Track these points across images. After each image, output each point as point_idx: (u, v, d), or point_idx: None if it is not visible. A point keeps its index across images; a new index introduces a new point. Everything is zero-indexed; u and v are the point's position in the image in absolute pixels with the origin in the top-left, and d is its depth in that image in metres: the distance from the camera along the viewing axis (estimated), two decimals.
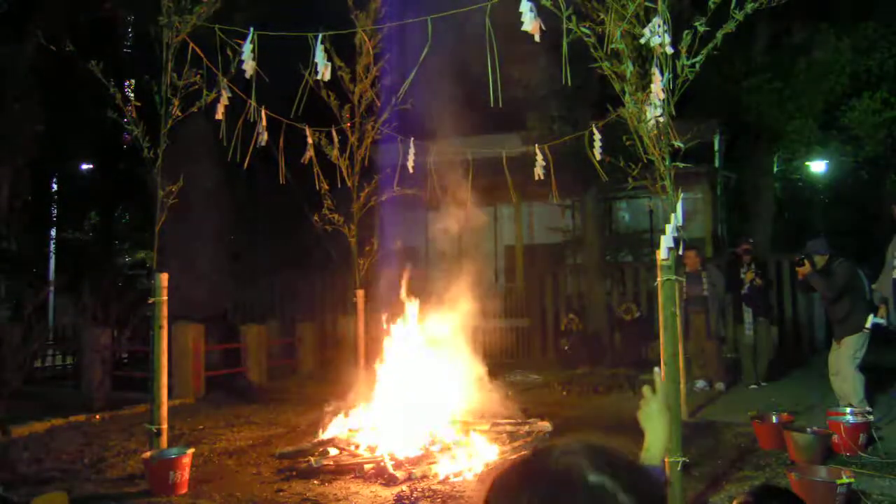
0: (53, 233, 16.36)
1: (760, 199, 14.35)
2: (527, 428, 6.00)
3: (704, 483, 4.84)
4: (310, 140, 6.32)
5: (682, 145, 3.98)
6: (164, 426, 5.29)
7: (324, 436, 6.05)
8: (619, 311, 11.40)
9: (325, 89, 6.10)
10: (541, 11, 3.97)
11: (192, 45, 5.27)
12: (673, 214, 3.97)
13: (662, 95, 3.80)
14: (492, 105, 4.25)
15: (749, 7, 3.84)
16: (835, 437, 5.46)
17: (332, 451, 5.60)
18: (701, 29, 3.74)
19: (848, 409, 5.75)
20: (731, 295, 9.13)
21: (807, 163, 17.16)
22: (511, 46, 5.67)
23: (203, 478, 5.31)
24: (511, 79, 9.91)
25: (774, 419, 5.92)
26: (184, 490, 4.96)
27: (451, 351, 6.58)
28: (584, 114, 10.14)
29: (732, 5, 3.80)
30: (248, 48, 5.00)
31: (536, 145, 6.26)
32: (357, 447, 5.70)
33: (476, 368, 6.63)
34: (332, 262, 13.76)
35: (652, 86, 3.81)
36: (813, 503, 3.99)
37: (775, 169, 15.82)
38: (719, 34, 3.80)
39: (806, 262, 6.46)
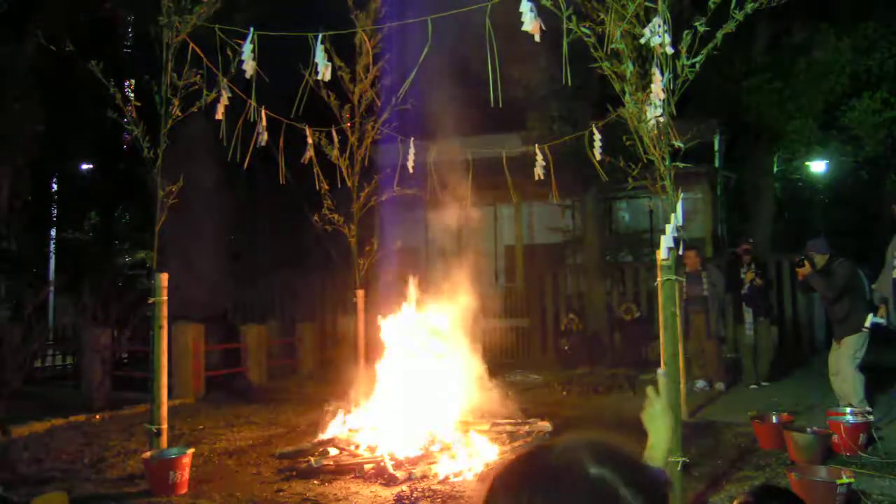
0: (53, 233, 16.36)
1: (760, 199, 14.35)
2: (527, 428, 6.00)
3: (704, 483, 4.84)
4: (310, 140, 6.32)
5: (682, 145, 3.98)
6: (164, 426, 5.29)
7: (324, 436, 6.05)
8: (619, 311, 11.40)
9: (325, 89, 6.10)
10: (541, 11, 3.97)
11: (192, 45, 5.27)
12: (673, 214, 3.97)
13: (663, 95, 3.80)
14: (492, 105, 4.25)
15: (749, 7, 3.84)
16: (835, 437, 5.46)
17: (332, 451, 5.60)
18: (701, 29, 3.74)
19: (848, 409, 5.75)
20: (731, 295, 9.13)
21: (807, 163, 17.17)
22: (511, 46, 5.67)
23: (203, 478, 5.31)
24: (511, 79, 9.93)
25: (774, 419, 5.92)
26: (184, 490, 4.96)
27: (450, 351, 6.58)
28: (584, 114, 10.15)
29: (732, 5, 3.80)
30: (248, 48, 5.00)
31: (536, 145, 6.25)
32: (357, 447, 5.70)
33: (476, 368, 6.63)
34: (332, 262, 13.76)
35: (652, 86, 3.81)
36: (813, 503, 3.99)
37: (775, 169, 15.82)
38: (719, 34, 3.80)
39: (806, 262, 6.46)
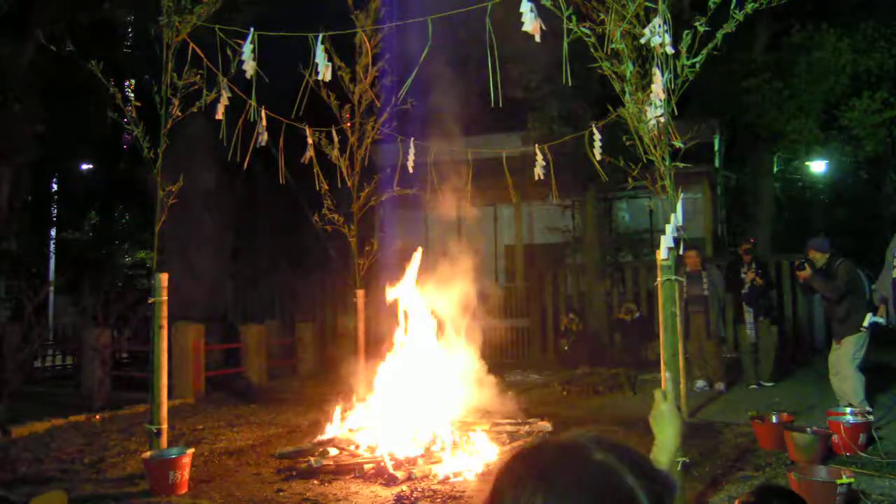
0: (53, 233, 16.36)
1: (760, 199, 14.35)
2: (527, 428, 6.00)
3: (704, 483, 4.84)
4: (310, 140, 6.32)
5: (682, 145, 3.98)
6: (164, 426, 5.29)
7: (324, 436, 6.05)
8: (620, 311, 11.40)
9: (325, 89, 6.10)
10: (541, 12, 3.97)
11: (192, 45, 5.27)
12: (673, 214, 3.97)
13: (663, 95, 3.80)
14: (492, 105, 4.26)
15: (749, 7, 3.84)
16: (835, 437, 5.46)
17: (332, 451, 5.60)
18: (701, 29, 3.74)
19: (848, 409, 5.75)
20: (731, 295, 9.13)
21: (807, 163, 17.17)
22: (511, 46, 5.68)
23: (203, 478, 5.31)
24: (511, 79, 9.94)
25: (774, 419, 5.92)
26: (184, 490, 4.96)
27: (450, 351, 6.59)
28: (584, 114, 10.15)
29: (732, 5, 3.80)
30: (248, 48, 5.00)
31: (536, 145, 6.26)
32: (357, 447, 5.70)
33: (476, 368, 6.63)
34: (332, 262, 13.77)
35: (653, 86, 3.81)
36: (813, 503, 3.99)
37: (775, 169, 15.83)
38: (719, 34, 3.80)
39: (806, 265, 6.47)
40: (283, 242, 15.19)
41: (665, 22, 3.73)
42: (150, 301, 5.38)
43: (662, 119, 3.88)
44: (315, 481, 5.13)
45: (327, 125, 6.61)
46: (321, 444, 5.82)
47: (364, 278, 7.05)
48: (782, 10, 4.31)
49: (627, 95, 3.99)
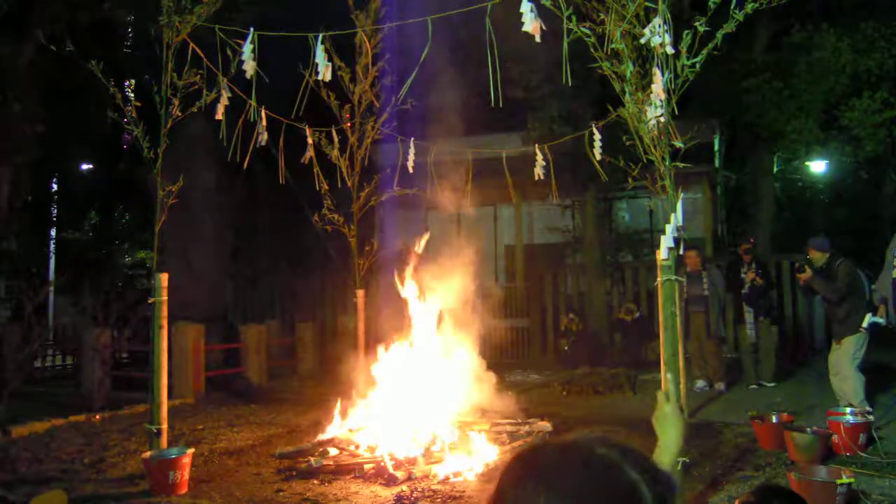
0: (53, 233, 16.36)
1: (760, 199, 14.35)
2: (527, 428, 6.00)
3: (704, 483, 4.84)
4: (310, 140, 6.32)
5: (682, 145, 3.98)
6: (164, 426, 5.29)
7: (324, 436, 6.05)
8: (620, 311, 11.40)
9: (325, 89, 6.10)
10: (541, 12, 3.97)
11: (192, 45, 5.26)
12: (673, 214, 3.97)
13: (663, 95, 3.80)
14: (492, 105, 4.25)
15: (749, 7, 3.84)
16: (835, 437, 5.46)
17: (332, 451, 5.60)
18: (701, 29, 3.74)
19: (848, 409, 5.75)
20: (731, 295, 9.13)
21: (807, 163, 17.17)
22: (511, 46, 5.68)
23: (203, 478, 5.31)
24: (511, 79, 9.94)
25: (774, 419, 5.92)
26: (184, 490, 4.96)
27: (450, 351, 6.58)
28: (584, 114, 10.15)
29: (732, 5, 3.80)
30: (248, 48, 5.00)
31: (536, 145, 6.26)
32: (357, 447, 5.70)
33: (476, 368, 6.63)
34: (332, 262, 13.76)
35: (653, 86, 3.81)
36: (813, 503, 3.99)
37: (775, 169, 15.83)
38: (719, 34, 3.80)
39: (806, 267, 6.47)
40: (283, 242, 15.20)
41: (665, 22, 3.73)
42: (150, 301, 5.38)
43: (662, 119, 3.88)
44: (315, 481, 5.13)
45: (327, 125, 6.61)
46: (321, 444, 5.81)
47: (364, 278, 7.05)
48: (782, 10, 4.31)
49: (627, 95, 3.99)
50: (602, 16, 3.87)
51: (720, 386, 8.61)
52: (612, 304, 11.92)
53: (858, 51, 12.47)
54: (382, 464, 5.19)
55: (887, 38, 12.48)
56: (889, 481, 4.71)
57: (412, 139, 6.62)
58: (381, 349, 6.56)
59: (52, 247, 16.19)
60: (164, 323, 5.34)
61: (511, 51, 6.57)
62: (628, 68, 3.91)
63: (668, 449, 1.56)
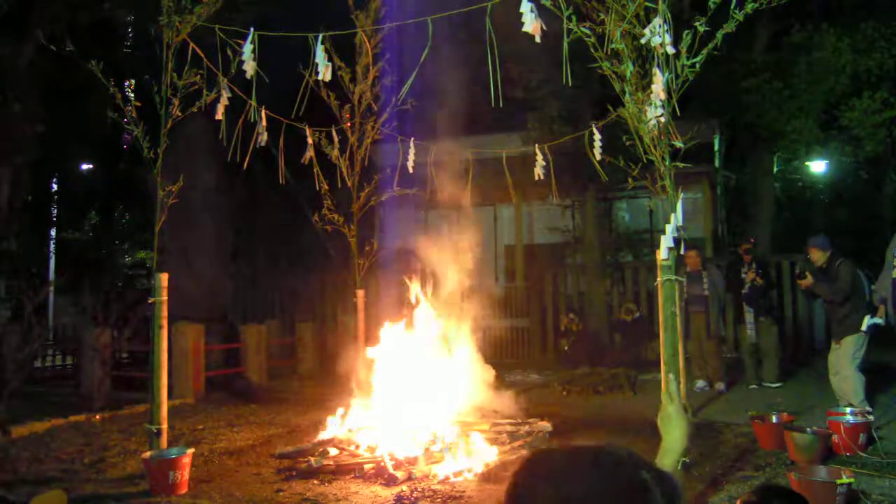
0: (53, 233, 16.36)
1: (760, 199, 14.35)
2: (527, 428, 6.00)
3: (704, 483, 4.84)
4: (310, 140, 6.32)
5: (682, 145, 3.98)
6: (164, 426, 5.29)
7: (324, 436, 6.05)
8: (620, 311, 11.40)
9: (325, 89, 6.10)
10: (541, 12, 3.97)
11: (192, 45, 5.26)
12: (673, 214, 3.97)
13: (663, 95, 3.80)
14: (492, 105, 4.25)
15: (749, 7, 3.84)
16: (835, 437, 5.46)
17: (332, 451, 5.60)
18: (701, 29, 3.74)
19: (848, 409, 5.75)
20: (731, 295, 9.12)
21: (807, 163, 17.17)
22: (512, 46, 5.68)
23: (203, 478, 5.31)
24: (511, 79, 9.94)
25: (774, 419, 5.92)
26: (184, 490, 4.96)
27: (450, 351, 6.58)
28: (584, 114, 10.16)
29: (732, 5, 3.80)
30: (248, 49, 5.00)
31: (536, 145, 6.26)
32: (357, 447, 5.70)
33: (476, 368, 6.63)
34: (332, 262, 13.77)
35: (653, 86, 3.81)
36: (813, 503, 3.99)
37: (775, 169, 15.83)
38: (719, 34, 3.80)
39: (807, 274, 6.49)
40: (283, 242, 15.20)
41: (665, 22, 3.73)
42: (150, 301, 5.38)
43: (662, 119, 3.88)
44: (315, 481, 5.13)
45: (327, 125, 6.61)
46: (321, 443, 5.82)
47: (364, 278, 7.05)
48: (782, 10, 4.31)
49: (627, 95, 3.99)
50: (602, 16, 3.87)
51: (720, 386, 8.61)
52: (612, 304, 11.91)
53: (858, 51, 12.47)
54: (382, 464, 5.19)
55: (887, 38, 12.48)
56: (889, 481, 4.71)
57: (412, 139, 6.62)
58: (381, 350, 6.54)
59: (52, 247, 16.19)
60: (164, 323, 5.34)
61: (511, 51, 6.57)
62: (628, 68, 3.91)
63: (671, 449, 1.56)
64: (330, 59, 5.19)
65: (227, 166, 8.64)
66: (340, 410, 6.34)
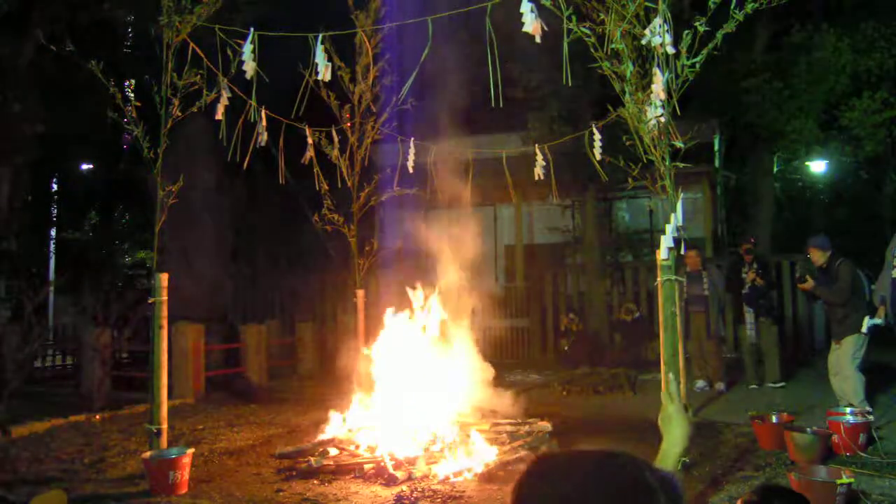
0: (53, 233, 16.36)
1: (760, 199, 14.35)
2: (527, 428, 5.99)
3: (704, 483, 4.84)
4: (310, 140, 6.32)
5: (682, 145, 3.98)
6: (164, 426, 5.29)
7: (324, 436, 6.05)
8: (620, 311, 11.40)
9: (325, 89, 6.10)
10: (541, 12, 3.97)
11: (192, 45, 5.26)
12: (673, 214, 3.97)
13: (663, 95, 3.80)
14: (493, 105, 4.26)
15: (749, 7, 3.84)
16: (835, 437, 5.46)
17: (332, 451, 5.60)
18: (701, 29, 3.74)
19: (848, 409, 5.75)
20: (731, 295, 9.12)
21: (807, 163, 17.18)
22: (512, 46, 5.68)
23: (203, 477, 5.31)
24: (511, 79, 9.94)
25: (774, 419, 5.92)
26: (184, 490, 4.96)
27: (450, 351, 6.58)
28: (584, 114, 10.16)
29: (732, 5, 3.80)
30: (248, 48, 5.00)
31: (536, 145, 6.26)
32: (357, 447, 5.70)
33: (476, 368, 6.62)
34: (332, 262, 13.77)
35: (653, 86, 3.81)
36: (814, 503, 3.99)
37: (775, 169, 15.83)
38: (719, 34, 3.80)
39: (807, 278, 6.50)
40: (283, 242, 15.19)
41: (665, 22, 3.73)
42: (150, 301, 5.38)
43: (662, 119, 3.88)
44: (315, 481, 5.13)
45: (327, 125, 6.61)
46: (321, 444, 5.81)
47: (364, 278, 7.05)
48: (782, 10, 4.31)
49: (627, 95, 3.99)
50: (602, 16, 3.87)
51: (720, 386, 8.61)
52: (612, 304, 11.91)
53: (858, 51, 12.47)
54: (382, 464, 5.19)
55: (887, 38, 12.48)
56: (889, 481, 4.71)
57: (412, 139, 6.62)
58: (381, 350, 6.54)
59: (52, 247, 16.20)
60: (164, 323, 5.34)
61: (511, 51, 6.58)
62: (628, 68, 3.91)
63: (672, 449, 1.57)
64: (330, 59, 5.19)
65: (227, 166, 8.65)
66: (340, 410, 6.34)
